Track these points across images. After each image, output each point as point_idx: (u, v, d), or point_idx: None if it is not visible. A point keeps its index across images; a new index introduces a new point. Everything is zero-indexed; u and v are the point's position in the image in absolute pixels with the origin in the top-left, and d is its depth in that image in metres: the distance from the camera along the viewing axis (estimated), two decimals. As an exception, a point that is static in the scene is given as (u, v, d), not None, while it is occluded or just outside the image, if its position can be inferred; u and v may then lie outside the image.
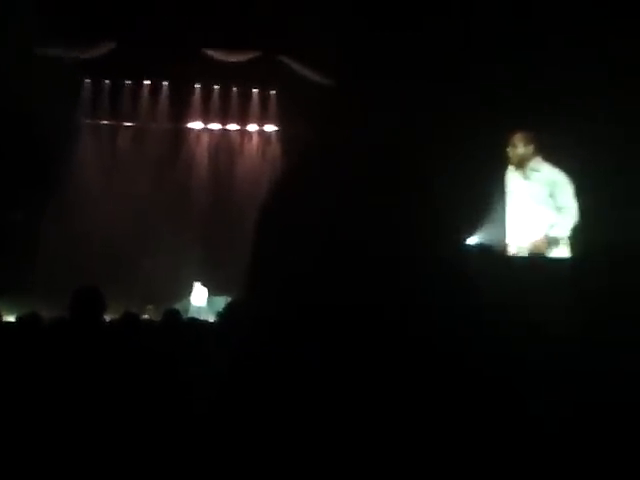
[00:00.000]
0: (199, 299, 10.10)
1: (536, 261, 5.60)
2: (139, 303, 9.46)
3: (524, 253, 6.00)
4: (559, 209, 6.03)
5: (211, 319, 6.14)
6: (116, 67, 10.53)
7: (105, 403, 2.70)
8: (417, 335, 0.64)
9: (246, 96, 11.31)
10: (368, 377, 0.63)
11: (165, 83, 11.25)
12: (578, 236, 5.96)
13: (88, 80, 11.16)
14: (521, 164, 6.03)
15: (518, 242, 5.96)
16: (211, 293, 10.20)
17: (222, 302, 9.80)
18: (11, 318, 4.94)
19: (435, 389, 0.63)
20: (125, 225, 10.38)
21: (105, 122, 11.47)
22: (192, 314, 7.43)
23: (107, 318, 6.85)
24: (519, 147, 6.01)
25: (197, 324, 3.97)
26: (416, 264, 0.66)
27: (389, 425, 0.62)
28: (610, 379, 1.45)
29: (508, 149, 6.00)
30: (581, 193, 6.16)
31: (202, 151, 11.55)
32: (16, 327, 4.13)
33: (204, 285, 10.20)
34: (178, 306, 8.85)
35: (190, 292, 10.19)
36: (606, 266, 1.88)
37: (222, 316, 3.30)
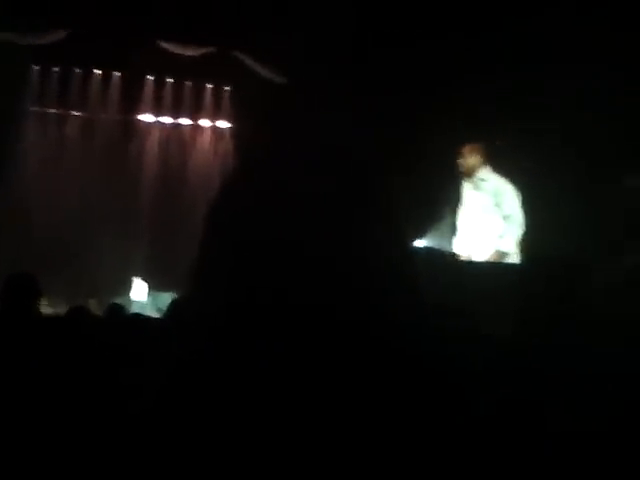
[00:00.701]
0: (139, 294, 9.96)
1: (484, 266, 5.72)
2: (81, 296, 9.28)
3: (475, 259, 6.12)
4: (505, 218, 6.18)
5: (154, 315, 6.05)
6: (67, 55, 10.29)
7: (36, 396, 2.64)
8: (363, 334, 0.64)
9: (200, 91, 11.20)
10: (314, 375, 0.63)
11: (117, 74, 11.04)
12: (524, 246, 6.11)
13: (37, 67, 10.87)
14: (470, 174, 6.17)
15: (469, 251, 6.08)
16: (154, 289, 10.07)
17: (166, 299, 9.72)
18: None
19: (380, 387, 0.64)
20: (69, 216, 10.16)
21: (53, 110, 11.19)
22: (133, 309, 7.31)
23: (49, 310, 6.71)
24: (468, 158, 6.15)
25: (141, 320, 3.91)
26: (364, 264, 0.66)
27: (332, 422, 0.63)
28: (546, 379, 1.49)
29: (459, 160, 6.14)
30: (527, 203, 6.33)
31: (152, 144, 11.38)
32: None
33: (144, 280, 10.06)
34: (118, 301, 8.72)
35: (130, 287, 10.05)
36: (550, 273, 1.94)
37: (167, 313, 3.26)
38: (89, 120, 11.22)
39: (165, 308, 9.41)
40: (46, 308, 8.86)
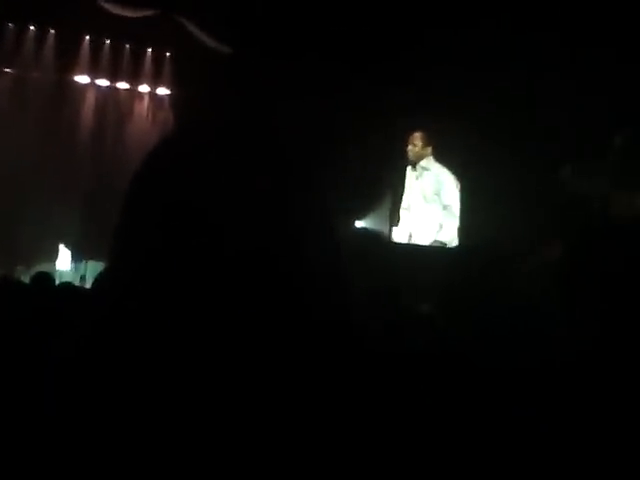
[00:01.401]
0: (63, 263, 9.74)
1: (418, 249, 5.80)
2: (7, 263, 8.98)
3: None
4: (444, 207, 6.29)
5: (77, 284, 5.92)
6: (0, 8, 9.81)
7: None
8: (292, 316, 0.63)
9: (139, 55, 10.88)
10: (235, 359, 0.61)
11: (52, 31, 10.60)
12: (460, 236, 6.23)
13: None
14: (415, 163, 6.25)
15: (409, 239, 6.16)
16: (77, 257, 9.85)
17: (92, 267, 9.52)
18: None
19: (314, 369, 0.63)
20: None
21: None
22: (57, 278, 7.13)
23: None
24: (415, 146, 6.21)
25: (68, 289, 3.80)
26: (294, 246, 0.65)
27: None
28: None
29: (407, 148, 6.19)
30: (464, 193, 6.45)
31: (88, 107, 11.02)
32: None
33: (68, 248, 9.83)
34: (44, 268, 8.49)
35: (57, 255, 9.80)
36: (482, 259, 1.99)
37: (94, 283, 3.18)
38: (21, 78, 10.77)
39: (87, 276, 9.28)
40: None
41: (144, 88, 11.16)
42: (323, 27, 8.34)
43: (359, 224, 5.80)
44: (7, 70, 10.76)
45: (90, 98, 11.04)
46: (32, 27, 10.57)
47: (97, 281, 2.85)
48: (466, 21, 7.45)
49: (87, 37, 10.64)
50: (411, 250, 5.81)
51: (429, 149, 6.24)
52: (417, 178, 6.30)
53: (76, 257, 9.89)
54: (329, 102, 7.79)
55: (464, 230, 6.28)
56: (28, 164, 10.06)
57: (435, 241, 6.09)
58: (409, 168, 6.35)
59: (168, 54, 10.84)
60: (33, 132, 10.35)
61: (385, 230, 6.21)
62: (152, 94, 11.20)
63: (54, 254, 9.76)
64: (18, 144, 10.13)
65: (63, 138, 10.66)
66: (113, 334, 0.64)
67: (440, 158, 6.34)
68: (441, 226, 6.21)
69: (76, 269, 9.61)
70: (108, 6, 9.82)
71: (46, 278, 4.06)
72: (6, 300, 3.38)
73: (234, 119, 0.71)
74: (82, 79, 10.93)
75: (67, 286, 4.03)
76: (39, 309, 3.20)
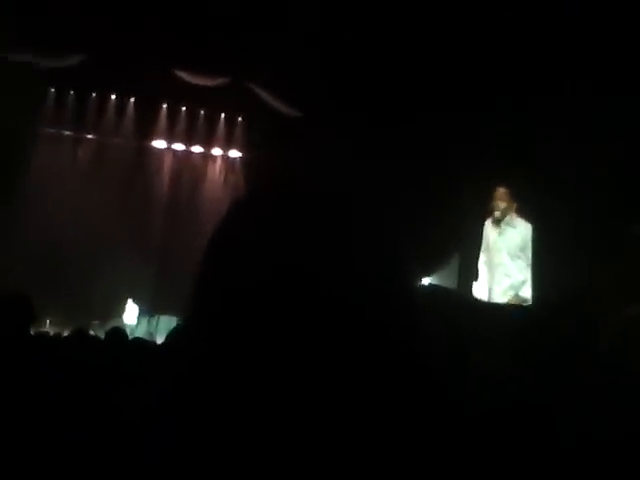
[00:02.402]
0: (130, 317, 9.99)
1: (494, 307, 5.66)
2: (84, 318, 9.28)
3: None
4: (529, 265, 6.16)
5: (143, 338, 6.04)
6: (83, 79, 10.44)
7: (34, 415, 2.63)
8: (364, 368, 0.64)
9: (213, 120, 11.33)
10: (319, 408, 0.63)
11: (132, 99, 11.19)
12: (536, 291, 6.09)
13: (53, 89, 11.04)
14: (499, 219, 6.15)
15: (487, 294, 6.05)
16: (146, 313, 10.11)
17: (158, 323, 9.73)
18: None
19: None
20: (76, 238, 10.22)
21: (67, 133, 11.33)
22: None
23: (51, 332, 6.70)
24: (500, 202, 6.13)
25: (142, 344, 3.90)
26: (370, 298, 0.66)
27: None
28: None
29: (491, 203, 6.13)
30: (545, 250, 6.33)
31: (164, 171, 11.48)
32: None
33: (136, 303, 10.10)
34: (116, 323, 8.74)
35: (126, 310, 10.09)
36: (560, 317, 1.94)
37: (167, 339, 3.26)
38: (103, 143, 11.35)
39: (155, 332, 9.43)
40: (50, 328, 8.89)
41: (217, 151, 11.56)
42: (398, 83, 8.49)
43: (426, 280, 5.75)
44: (90, 136, 11.37)
45: (166, 162, 11.52)
46: (113, 96, 11.19)
47: (172, 337, 2.92)
48: (546, 85, 7.47)
49: (164, 105, 11.18)
50: (490, 307, 5.68)
51: (514, 206, 6.16)
52: (500, 234, 6.19)
53: (144, 313, 10.14)
54: (403, 160, 7.87)
55: (541, 286, 6.14)
56: (106, 224, 10.49)
57: (517, 296, 5.95)
58: (489, 223, 6.25)
59: (240, 119, 11.24)
60: (112, 194, 10.83)
61: (453, 286, 6.13)
62: (224, 157, 11.59)
63: (124, 310, 10.06)
64: (98, 206, 10.60)
65: (140, 200, 11.11)
66: (194, 389, 0.66)
67: (523, 215, 6.24)
68: (524, 283, 6.07)
69: (148, 324, 9.83)
70: (184, 75, 10.32)
71: (120, 333, 4.18)
72: (82, 353, 3.49)
73: (309, 183, 0.74)
74: (159, 144, 11.44)
75: (139, 341, 4.14)
76: (113, 362, 3.28)
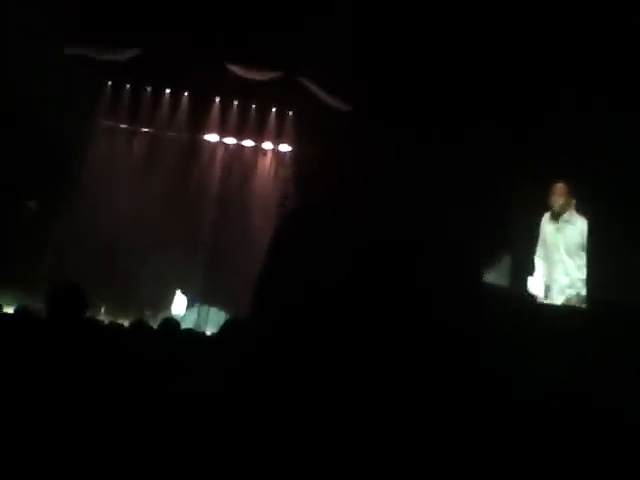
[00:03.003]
0: (178, 307, 10.16)
1: (554, 308, 5.55)
2: (136, 306, 9.51)
3: (552, 301, 5.95)
4: (585, 264, 6.00)
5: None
6: (139, 72, 10.64)
7: (87, 406, 2.71)
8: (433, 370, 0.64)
9: (264, 113, 11.41)
10: (375, 411, 0.63)
11: (185, 93, 11.35)
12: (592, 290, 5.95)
13: (110, 82, 11.28)
14: (557, 215, 5.99)
15: (549, 294, 5.93)
16: (194, 303, 10.29)
17: (205, 314, 9.88)
18: (11, 310, 4.98)
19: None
20: (130, 229, 10.44)
21: (123, 126, 11.57)
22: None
23: (106, 320, 6.88)
24: (558, 198, 5.97)
25: (194, 335, 3.98)
26: (437, 301, 0.66)
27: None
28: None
29: (549, 199, 5.99)
30: (603, 247, 6.19)
31: (215, 164, 11.63)
32: (11, 319, 4.16)
33: (184, 294, 10.27)
34: (163, 313, 8.93)
35: (175, 300, 10.27)
36: (620, 319, 1.89)
37: (221, 331, 3.32)
38: (156, 137, 11.56)
39: (203, 323, 9.57)
40: (104, 315, 9.13)
41: (267, 145, 11.64)
42: (454, 77, 8.39)
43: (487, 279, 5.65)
44: (145, 130, 11.59)
45: (218, 155, 11.66)
46: (167, 90, 11.37)
47: (225, 331, 2.97)
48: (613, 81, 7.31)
49: (217, 98, 11.31)
50: (547, 309, 5.55)
51: (573, 201, 5.99)
52: (559, 230, 6.03)
53: (192, 303, 10.32)
54: (456, 152, 7.78)
55: (597, 286, 5.98)
56: (158, 216, 10.69)
57: (577, 295, 5.81)
58: (547, 218, 6.10)
59: (290, 113, 11.29)
60: (165, 187, 11.03)
61: (505, 281, 6.02)
62: (275, 151, 11.66)
63: (173, 300, 10.26)
64: (151, 197, 10.82)
65: (191, 192, 11.28)
66: (250, 383, 0.67)
67: (584, 211, 6.08)
68: (583, 281, 5.92)
69: (197, 315, 10.00)
70: (236, 69, 10.42)
71: (173, 324, 4.27)
72: (140, 342, 3.59)
73: (369, 178, 0.74)
74: (212, 137, 11.59)
75: (191, 333, 4.22)
76: (167, 353, 3.37)
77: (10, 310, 5.31)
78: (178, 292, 10.30)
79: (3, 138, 9.44)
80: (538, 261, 6.01)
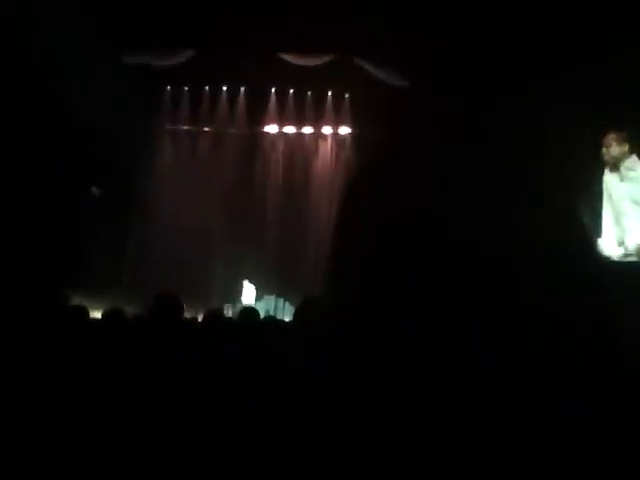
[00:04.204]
0: (249, 297, 10.31)
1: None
2: (212, 301, 9.73)
3: (630, 258, 5.70)
4: None
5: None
6: (195, 74, 10.83)
7: (184, 397, 2.81)
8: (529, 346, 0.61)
9: (321, 99, 11.41)
10: (459, 388, 0.61)
11: (242, 88, 11.48)
12: None
13: (169, 87, 11.53)
14: (616, 165, 5.74)
15: (618, 246, 5.69)
16: (265, 293, 10.42)
17: (271, 302, 9.99)
18: (98, 314, 5.18)
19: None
20: (199, 225, 10.69)
21: (185, 127, 11.81)
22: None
23: (187, 315, 7.06)
24: (613, 147, 5.72)
25: (273, 322, 4.05)
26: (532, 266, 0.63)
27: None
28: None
29: (603, 150, 5.73)
30: None
31: (278, 154, 11.72)
32: (102, 322, 4.33)
33: (253, 284, 10.42)
34: (231, 304, 9.07)
35: (245, 291, 10.44)
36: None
37: (298, 314, 3.37)
38: (218, 134, 11.75)
39: (271, 311, 9.70)
40: (186, 313, 9.38)
41: (327, 130, 11.65)
42: (503, 36, 8.19)
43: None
44: (206, 129, 11.80)
45: (279, 146, 11.75)
46: (224, 88, 11.53)
47: (302, 311, 3.02)
48: None
49: (273, 89, 11.39)
50: (626, 266, 5.33)
51: (626, 148, 5.72)
52: (622, 180, 5.77)
53: (263, 293, 10.47)
54: (519, 116, 7.58)
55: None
56: (226, 211, 10.91)
57: None
58: (607, 171, 5.85)
59: (347, 95, 11.24)
60: (230, 182, 11.23)
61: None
62: (335, 135, 11.65)
63: (243, 292, 10.44)
64: (217, 194, 11.04)
65: (257, 184, 11.43)
66: (330, 370, 0.67)
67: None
68: None
69: (266, 304, 10.14)
70: (288, 58, 10.45)
71: (252, 314, 4.36)
72: (217, 333, 3.68)
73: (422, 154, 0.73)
74: (271, 129, 11.68)
75: (272, 319, 4.30)
76: (248, 340, 3.45)
77: (97, 315, 5.52)
78: (246, 282, 10.47)
79: (75, 152, 9.80)
80: (607, 218, 5.76)
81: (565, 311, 0.64)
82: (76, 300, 5.00)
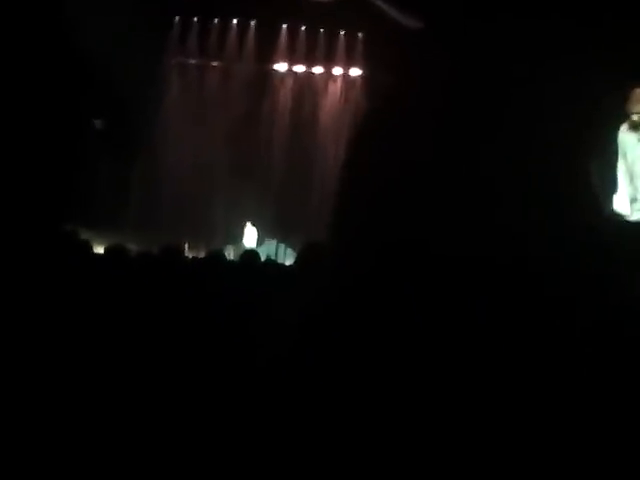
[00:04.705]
0: (250, 240, 10.31)
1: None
2: (215, 241, 9.75)
3: None
4: None
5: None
6: (205, 5, 10.58)
7: (183, 337, 2.83)
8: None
9: (333, 38, 11.16)
10: (468, 344, 0.59)
11: (252, 23, 11.22)
12: None
13: (178, 18, 11.28)
14: (637, 124, 5.63)
15: (630, 204, 5.63)
16: (265, 237, 10.43)
17: (271, 245, 9.98)
18: (101, 250, 5.19)
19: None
20: (204, 164, 10.63)
21: (193, 61, 11.61)
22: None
23: (189, 255, 7.09)
24: (637, 105, 5.59)
25: (275, 265, 4.05)
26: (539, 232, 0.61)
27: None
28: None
29: (627, 107, 5.60)
30: None
31: (286, 92, 11.55)
32: (104, 257, 4.35)
33: (254, 227, 10.41)
34: (232, 246, 9.08)
35: (246, 234, 10.44)
36: None
37: (297, 259, 3.35)
38: (226, 70, 11.55)
39: (271, 255, 9.74)
40: (188, 252, 9.42)
41: (337, 71, 11.43)
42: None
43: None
44: (214, 64, 11.59)
45: (288, 84, 11.56)
46: (235, 21, 11.27)
47: (304, 254, 3.01)
48: None
49: (284, 25, 11.13)
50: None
51: None
52: None
53: (264, 236, 10.47)
54: (537, 67, 7.42)
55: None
56: (231, 149, 10.83)
57: None
58: (625, 128, 5.74)
59: (360, 35, 11.00)
60: (236, 119, 11.10)
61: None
62: (345, 76, 11.45)
63: (245, 234, 10.46)
64: (224, 131, 10.93)
65: (264, 122, 11.31)
66: (331, 317, 0.65)
67: None
68: None
69: (268, 248, 10.15)
70: (302, -6, 10.18)
71: (253, 255, 4.37)
72: (218, 274, 3.70)
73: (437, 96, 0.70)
74: (281, 67, 11.47)
75: (273, 262, 4.30)
76: (249, 283, 3.47)
77: (100, 250, 5.53)
78: (248, 225, 10.46)
79: (80, 79, 9.65)
80: (621, 176, 5.69)
81: (576, 271, 0.62)
82: (80, 235, 5.01)
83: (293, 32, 11.18)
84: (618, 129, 5.72)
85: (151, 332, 2.90)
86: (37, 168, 8.80)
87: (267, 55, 11.29)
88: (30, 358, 2.55)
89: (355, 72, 11.32)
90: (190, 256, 6.34)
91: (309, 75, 11.53)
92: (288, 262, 7.58)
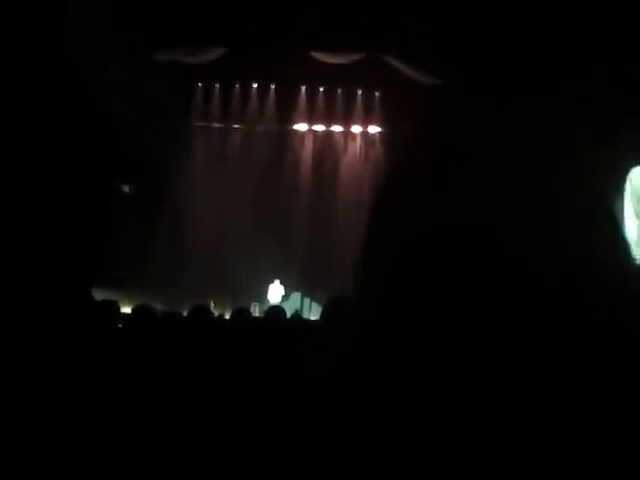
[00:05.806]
0: (274, 297, 10.33)
1: None
2: (241, 299, 9.78)
3: None
4: None
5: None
6: (226, 71, 10.88)
7: (207, 394, 2.83)
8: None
9: (350, 97, 11.39)
10: (487, 392, 0.59)
11: (272, 86, 11.51)
12: None
13: (200, 84, 11.61)
14: None
15: (636, 246, 5.57)
16: (293, 292, 10.44)
17: (296, 300, 9.98)
18: (128, 310, 5.23)
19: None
20: (230, 225, 10.73)
21: (216, 125, 11.88)
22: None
23: (215, 313, 7.11)
24: None
25: (301, 321, 4.05)
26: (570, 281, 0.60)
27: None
28: None
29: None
30: None
31: (306, 152, 11.73)
32: (132, 317, 4.38)
33: (282, 284, 10.44)
34: (257, 303, 9.08)
35: (271, 291, 10.47)
36: None
37: (323, 314, 3.36)
38: (248, 132, 11.80)
39: (296, 309, 9.73)
40: (214, 310, 9.46)
41: (356, 129, 11.62)
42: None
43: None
44: (236, 126, 11.85)
45: (308, 143, 11.76)
46: (255, 85, 11.57)
47: (330, 309, 3.02)
48: None
49: (303, 87, 11.40)
50: None
51: None
52: None
53: (290, 292, 10.48)
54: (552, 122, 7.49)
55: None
56: (256, 209, 10.93)
57: None
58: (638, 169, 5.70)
59: (377, 93, 11.21)
60: (259, 180, 11.26)
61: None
62: (364, 133, 11.62)
63: (270, 290, 10.48)
64: (247, 191, 11.07)
65: (286, 182, 11.46)
66: (359, 370, 0.66)
67: None
68: None
69: (295, 304, 10.16)
70: (319, 56, 10.44)
71: (279, 312, 4.37)
72: (244, 331, 3.70)
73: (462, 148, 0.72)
74: (301, 127, 11.69)
75: (299, 317, 4.29)
76: (274, 340, 3.46)
77: (127, 310, 5.58)
78: (276, 282, 10.49)
79: (107, 143, 9.92)
80: (630, 218, 5.57)
81: (600, 317, 0.61)
82: (106, 295, 5.06)
83: (312, 93, 11.44)
84: (628, 169, 5.67)
85: (182, 391, 2.91)
86: (65, 232, 8.96)
87: (287, 116, 11.54)
88: (61, 421, 2.56)
89: (374, 129, 11.49)
90: (216, 314, 6.37)
91: (329, 134, 11.74)
92: (313, 317, 7.57)
